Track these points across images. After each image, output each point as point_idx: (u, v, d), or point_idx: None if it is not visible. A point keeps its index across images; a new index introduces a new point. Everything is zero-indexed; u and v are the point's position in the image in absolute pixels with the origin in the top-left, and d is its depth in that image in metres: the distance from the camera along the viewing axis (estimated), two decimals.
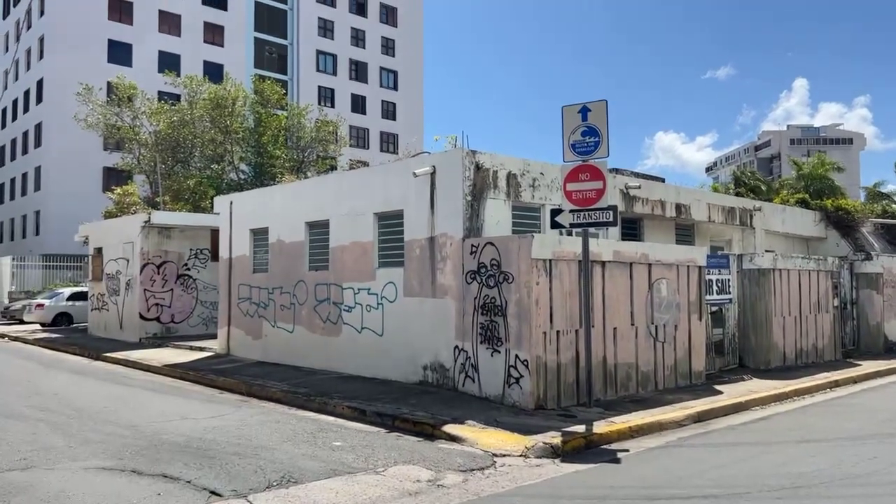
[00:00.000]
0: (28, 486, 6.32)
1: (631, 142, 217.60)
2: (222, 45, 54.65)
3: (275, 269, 15.30)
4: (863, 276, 17.87)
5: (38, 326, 26.42)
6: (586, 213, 9.62)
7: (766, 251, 17.03)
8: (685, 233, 16.97)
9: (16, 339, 22.76)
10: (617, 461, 7.53)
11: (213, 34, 54.40)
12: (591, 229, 10.05)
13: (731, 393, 11.22)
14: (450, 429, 8.56)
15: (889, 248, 21.93)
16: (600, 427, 8.62)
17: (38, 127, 48.47)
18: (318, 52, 62.04)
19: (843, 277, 17.35)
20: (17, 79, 53.44)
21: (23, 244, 48.39)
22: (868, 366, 14.87)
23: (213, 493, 6.22)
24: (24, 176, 50.91)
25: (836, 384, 12.85)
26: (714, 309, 13.58)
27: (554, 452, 7.70)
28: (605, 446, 8.17)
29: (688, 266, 12.26)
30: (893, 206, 32.69)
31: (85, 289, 26.42)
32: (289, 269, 14.85)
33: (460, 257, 10.99)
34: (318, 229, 14.21)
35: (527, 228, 11.95)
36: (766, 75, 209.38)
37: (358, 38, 64.61)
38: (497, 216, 11.50)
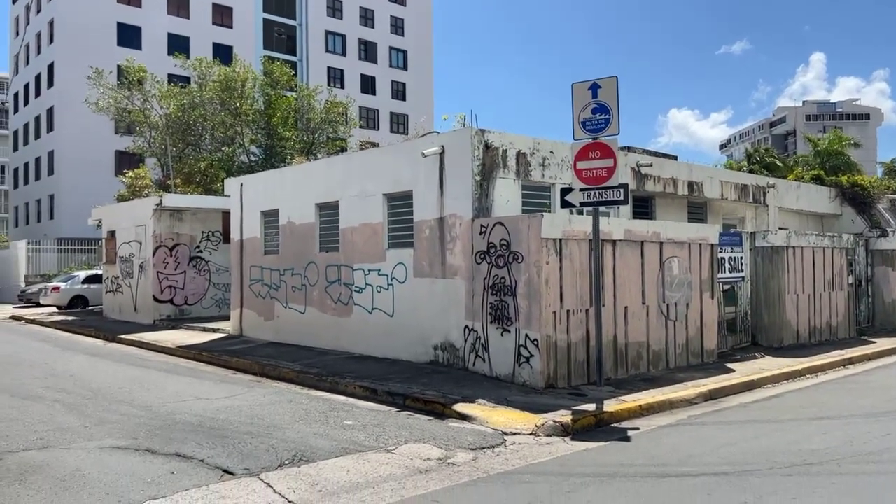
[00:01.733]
0: (44, 465, 6.43)
1: (644, 119, 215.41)
2: (231, 27, 54.43)
3: (286, 251, 15.35)
4: (878, 253, 17.70)
5: (54, 309, 26.75)
6: (597, 192, 9.54)
7: (780, 228, 16.89)
8: (697, 210, 16.83)
9: (32, 321, 23.05)
10: (627, 439, 7.54)
11: (222, 16, 54.15)
12: (602, 208, 9.98)
13: (744, 371, 11.18)
14: (460, 408, 8.60)
15: None
16: (611, 405, 8.63)
17: (50, 111, 48.66)
18: (327, 33, 61.66)
19: (858, 254, 17.19)
20: (27, 63, 53.57)
21: (38, 228, 48.85)
22: (883, 343, 14.78)
23: (225, 471, 6.29)
24: (38, 160, 51.23)
25: (850, 362, 12.78)
26: (726, 287, 13.50)
27: (564, 431, 7.72)
28: (615, 425, 8.18)
29: (700, 244, 12.17)
30: None
31: (100, 272, 26.68)
32: (299, 250, 14.89)
33: (470, 237, 10.97)
34: (328, 210, 14.22)
35: (537, 208, 11.88)
36: (783, 50, 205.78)
37: (367, 17, 64.12)
38: (506, 196, 11.44)
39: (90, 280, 27.39)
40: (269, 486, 5.92)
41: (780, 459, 6.53)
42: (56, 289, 27.06)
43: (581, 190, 9.68)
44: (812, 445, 7.05)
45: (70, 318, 23.42)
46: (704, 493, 5.64)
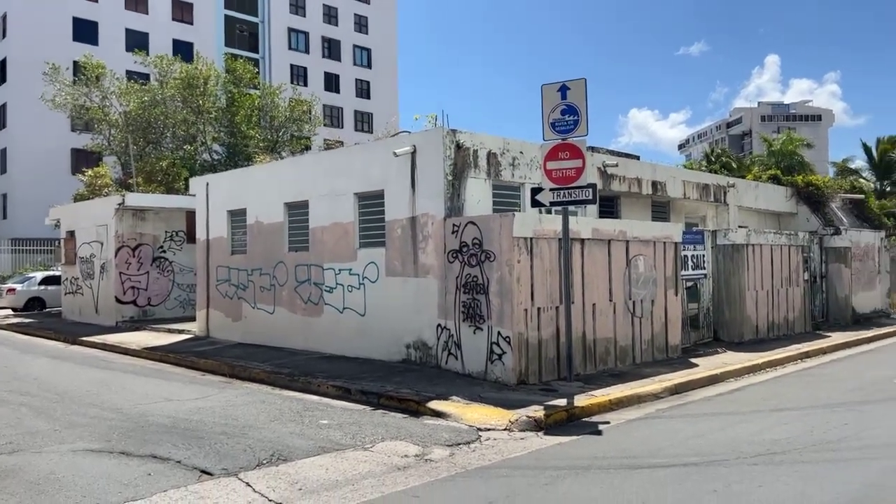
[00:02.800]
0: (17, 470, 6.32)
1: (605, 119, 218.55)
2: (192, 23, 53.50)
3: (254, 251, 15.24)
4: (832, 251, 18.34)
5: (9, 311, 25.98)
6: (566, 192, 9.73)
7: (740, 227, 17.36)
8: (661, 210, 17.22)
9: None
10: (598, 433, 7.73)
11: (182, 11, 53.19)
12: (571, 207, 10.18)
13: (707, 365, 11.51)
14: (435, 405, 8.70)
15: (857, 223, 22.48)
16: (581, 400, 8.82)
17: (3, 108, 47.15)
18: (290, 30, 61.07)
19: (813, 252, 17.79)
20: None
21: None
22: (837, 337, 15.35)
23: (203, 471, 6.28)
24: None
25: (807, 355, 13.25)
26: (689, 284, 13.86)
27: (537, 426, 7.88)
28: (586, 419, 8.37)
29: (664, 242, 12.48)
30: (861, 181, 33.47)
31: (57, 273, 26.02)
32: (268, 250, 14.80)
33: (442, 237, 11.07)
34: (298, 210, 14.17)
35: (507, 207, 12.05)
36: (739, 52, 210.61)
37: (330, 15, 63.70)
38: (478, 195, 11.57)
39: (47, 281, 26.68)
40: (249, 485, 5.93)
41: (746, 449, 6.79)
42: (12, 290, 26.28)
43: (551, 190, 9.86)
44: (774, 436, 7.34)
45: (27, 320, 22.82)
46: (676, 483, 5.84)
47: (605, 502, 5.46)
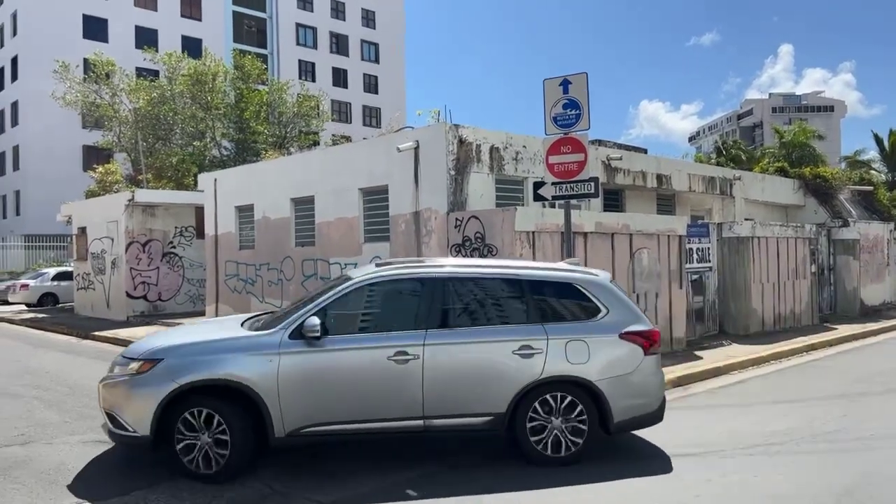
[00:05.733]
0: (28, 460, 6.49)
1: (616, 111, 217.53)
2: (200, 19, 53.80)
3: (261, 246, 15.41)
4: (840, 243, 18.28)
5: (23, 307, 26.36)
6: (568, 186, 9.79)
7: (746, 219, 17.32)
8: (666, 203, 17.22)
9: (1, 319, 22.71)
10: None
11: (191, 8, 53.50)
12: (574, 201, 10.24)
13: (711, 358, 11.56)
14: None
15: (866, 215, 22.36)
16: None
17: (15, 105, 47.69)
18: (298, 26, 61.26)
19: (821, 244, 17.74)
20: None
21: (3, 225, 47.91)
22: (844, 330, 15.32)
23: None
24: (2, 156, 50.20)
25: (813, 348, 13.25)
26: (694, 277, 13.88)
27: None
28: None
29: (668, 236, 12.51)
30: (872, 172, 33.25)
31: (70, 268, 26.34)
32: (275, 245, 14.96)
33: (445, 231, 11.16)
34: (304, 205, 14.31)
35: (510, 201, 12.12)
36: (751, 41, 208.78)
37: (338, 10, 63.82)
38: (481, 190, 11.66)
39: (60, 277, 27.02)
40: None
41: (745, 440, 6.85)
42: (25, 286, 26.63)
43: (553, 184, 9.91)
44: (774, 427, 7.39)
45: (40, 315, 23.11)
46: (671, 473, 5.92)
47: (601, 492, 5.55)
